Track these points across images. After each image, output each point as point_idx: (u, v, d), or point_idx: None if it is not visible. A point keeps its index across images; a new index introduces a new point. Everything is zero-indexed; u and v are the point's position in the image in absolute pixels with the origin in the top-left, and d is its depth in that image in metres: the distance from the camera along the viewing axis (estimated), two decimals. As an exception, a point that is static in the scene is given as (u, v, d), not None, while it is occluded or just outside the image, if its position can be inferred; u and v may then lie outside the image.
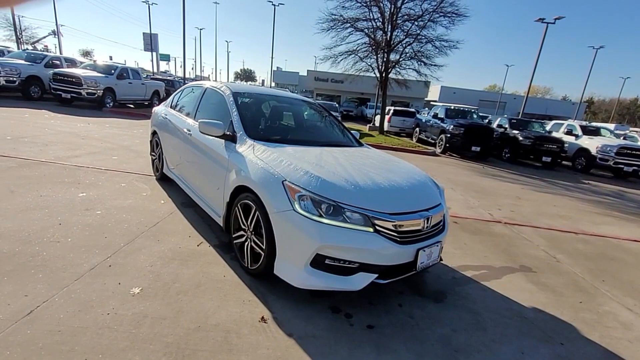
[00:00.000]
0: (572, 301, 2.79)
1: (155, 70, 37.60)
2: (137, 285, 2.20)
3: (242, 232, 2.51)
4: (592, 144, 11.61)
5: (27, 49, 25.82)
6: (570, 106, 42.78)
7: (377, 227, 2.09)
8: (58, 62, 12.46)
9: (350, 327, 2.08)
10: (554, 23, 18.63)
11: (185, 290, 2.22)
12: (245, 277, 2.47)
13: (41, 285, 2.06)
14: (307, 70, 37.42)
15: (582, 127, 12.80)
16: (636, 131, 25.27)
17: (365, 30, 14.20)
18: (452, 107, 14.25)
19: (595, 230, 4.89)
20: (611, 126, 22.79)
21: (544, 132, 12.54)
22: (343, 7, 13.77)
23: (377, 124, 16.64)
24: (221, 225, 2.79)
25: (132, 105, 13.71)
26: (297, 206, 2.07)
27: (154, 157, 4.57)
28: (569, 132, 12.63)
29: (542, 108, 40.28)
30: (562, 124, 13.57)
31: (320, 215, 2.04)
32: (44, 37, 38.71)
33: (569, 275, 3.28)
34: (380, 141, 12.09)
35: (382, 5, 13.57)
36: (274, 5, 31.60)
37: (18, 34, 31.88)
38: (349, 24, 14.04)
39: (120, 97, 12.38)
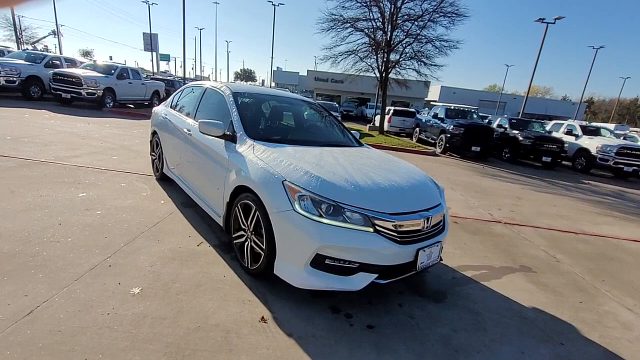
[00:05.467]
0: (572, 301, 2.79)
1: (155, 70, 37.59)
2: (137, 285, 2.20)
3: (242, 232, 2.51)
4: (592, 144, 11.61)
5: (27, 49, 25.81)
6: (570, 106, 42.78)
7: (377, 227, 2.09)
8: (58, 62, 12.46)
9: (350, 327, 2.08)
10: (554, 23, 18.63)
11: (185, 290, 2.22)
12: (245, 277, 2.47)
13: (41, 285, 2.06)
14: (307, 70, 37.42)
15: (582, 127, 12.81)
16: (636, 131, 25.27)
17: (365, 30, 14.21)
18: (452, 107, 14.27)
19: (595, 230, 4.89)
20: (611, 126, 22.80)
21: (544, 132, 12.54)
22: (343, 7, 13.79)
23: (377, 124, 16.63)
24: (221, 225, 2.79)
25: (132, 105, 13.70)
26: (297, 206, 2.07)
27: (154, 157, 4.56)
28: (569, 132, 12.63)
29: (542, 108, 40.28)
30: (562, 124, 13.57)
31: (320, 215, 2.04)
32: (44, 37, 38.74)
33: (569, 275, 3.28)
34: (380, 141, 12.09)
35: (382, 5, 13.57)
36: (274, 5, 31.62)
37: (18, 34, 31.87)
38: (349, 24, 14.04)
39: (120, 97, 12.38)
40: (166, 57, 48.29)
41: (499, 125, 12.89)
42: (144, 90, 13.90)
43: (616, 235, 4.80)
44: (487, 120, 14.49)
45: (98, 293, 2.06)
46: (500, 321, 2.36)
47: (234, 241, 2.62)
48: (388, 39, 13.85)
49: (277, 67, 55.35)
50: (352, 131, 3.84)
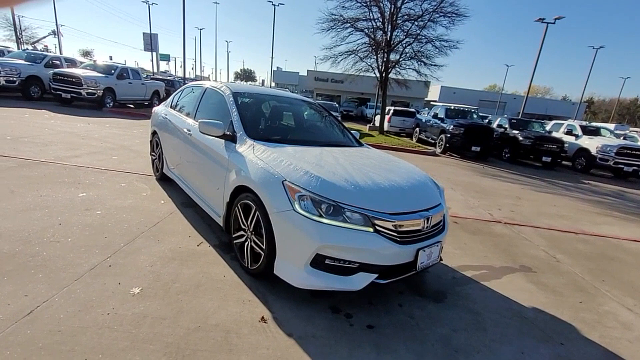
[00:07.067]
0: (572, 301, 2.79)
1: (155, 70, 37.58)
2: (137, 285, 2.20)
3: (242, 232, 2.51)
4: (592, 144, 11.61)
5: (27, 49, 25.81)
6: (570, 106, 42.78)
7: (377, 227, 2.09)
8: (58, 62, 12.46)
9: (350, 327, 2.08)
10: (554, 23, 18.63)
11: (185, 290, 2.22)
12: (245, 277, 2.47)
13: (41, 285, 2.06)
14: (307, 70, 37.41)
15: (582, 127, 12.81)
16: (636, 131, 25.27)
17: (365, 30, 14.21)
18: (452, 107, 14.27)
19: (595, 230, 4.89)
20: (611, 126, 22.81)
21: (544, 132, 12.54)
22: (343, 7, 13.79)
23: (377, 124, 16.63)
24: (221, 225, 2.79)
25: (132, 105, 13.70)
26: (297, 206, 2.07)
27: (154, 157, 4.57)
28: (569, 132, 12.64)
29: (542, 108, 40.27)
30: (562, 124, 13.57)
31: (320, 215, 2.04)
32: (44, 37, 38.75)
33: (569, 275, 3.28)
34: (380, 141, 12.09)
35: (382, 5, 13.57)
36: (274, 5, 31.62)
37: (18, 34, 31.87)
38: (349, 24, 14.04)
39: (120, 97, 12.38)
40: (166, 57, 48.29)
41: (499, 125, 12.89)
42: (144, 90, 13.89)
43: (616, 235, 4.80)
44: (487, 120, 14.49)
45: (98, 293, 2.06)
46: (500, 321, 2.36)
47: (234, 241, 2.62)
48: (388, 39, 13.85)
49: (277, 67, 55.37)
50: (352, 131, 3.84)
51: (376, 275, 2.11)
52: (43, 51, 21.77)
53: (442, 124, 11.99)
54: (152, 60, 36.90)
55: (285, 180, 2.19)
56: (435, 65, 14.17)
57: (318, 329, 2.02)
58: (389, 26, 13.70)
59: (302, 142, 3.02)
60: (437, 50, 13.83)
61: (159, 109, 4.53)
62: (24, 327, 1.72)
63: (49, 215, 3.02)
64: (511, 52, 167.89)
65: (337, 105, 20.24)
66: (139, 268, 2.39)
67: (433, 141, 12.46)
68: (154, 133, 4.45)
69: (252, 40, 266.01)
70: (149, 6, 35.32)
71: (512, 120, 12.84)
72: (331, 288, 2.09)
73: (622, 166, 10.95)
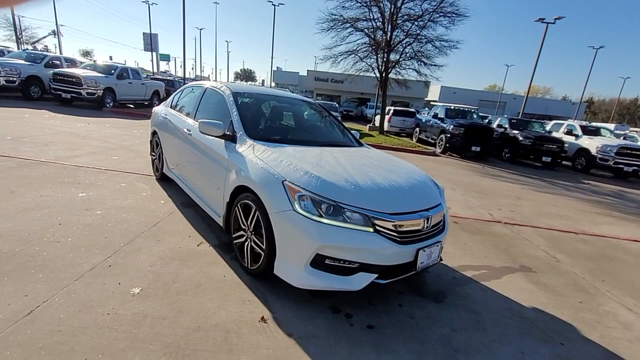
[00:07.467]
0: (572, 301, 2.79)
1: (155, 70, 37.58)
2: (137, 285, 2.20)
3: (242, 232, 2.51)
4: (592, 144, 11.62)
5: (27, 49, 25.80)
6: (570, 106, 42.79)
7: (377, 227, 2.09)
8: (58, 62, 12.46)
9: (350, 327, 2.08)
10: (554, 23, 18.63)
11: (185, 290, 2.22)
12: (245, 277, 2.47)
13: (41, 285, 2.06)
14: (307, 70, 37.42)
15: (582, 127, 12.81)
16: (636, 131, 25.27)
17: (365, 30, 14.21)
18: (452, 107, 14.27)
19: (595, 230, 4.89)
20: (611, 126, 22.81)
21: (544, 132, 12.54)
22: (343, 7, 13.79)
23: (377, 124, 16.64)
24: (221, 225, 2.79)
25: (132, 105, 13.70)
26: (297, 206, 2.07)
27: (154, 157, 4.57)
28: (569, 132, 12.64)
29: (542, 108, 40.28)
30: (562, 124, 13.57)
31: (320, 215, 2.04)
32: (44, 37, 38.76)
33: (569, 275, 3.28)
34: (380, 141, 12.09)
35: (382, 5, 13.58)
36: (274, 5, 31.63)
37: (18, 34, 31.87)
38: (349, 24, 14.05)
39: (120, 97, 12.38)
40: (166, 57, 48.29)
41: (499, 125, 12.89)
42: (144, 90, 13.89)
43: (616, 235, 4.80)
44: (487, 120, 14.49)
45: (98, 293, 2.06)
46: (500, 321, 2.36)
47: (234, 241, 2.62)
48: (388, 39, 13.85)
49: (277, 67, 55.37)
50: (352, 131, 3.84)
51: (376, 275, 2.11)
52: (43, 51, 21.77)
53: (442, 124, 11.99)
54: (152, 60, 36.92)
55: (285, 180, 2.19)
56: (435, 65, 14.18)
57: (318, 329, 2.02)
58: (389, 26, 13.71)
59: (302, 142, 3.02)
60: (437, 50, 13.85)
61: (159, 109, 4.53)
62: (24, 327, 1.72)
63: (49, 215, 3.02)
64: (511, 52, 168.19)
65: (337, 105, 20.24)
66: (139, 268, 2.40)
67: (433, 141, 12.46)
68: (154, 133, 4.45)
69: (252, 40, 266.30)
70: (149, 6, 35.34)
71: (512, 120, 12.84)
72: (331, 288, 2.08)
73: (622, 166, 10.95)
